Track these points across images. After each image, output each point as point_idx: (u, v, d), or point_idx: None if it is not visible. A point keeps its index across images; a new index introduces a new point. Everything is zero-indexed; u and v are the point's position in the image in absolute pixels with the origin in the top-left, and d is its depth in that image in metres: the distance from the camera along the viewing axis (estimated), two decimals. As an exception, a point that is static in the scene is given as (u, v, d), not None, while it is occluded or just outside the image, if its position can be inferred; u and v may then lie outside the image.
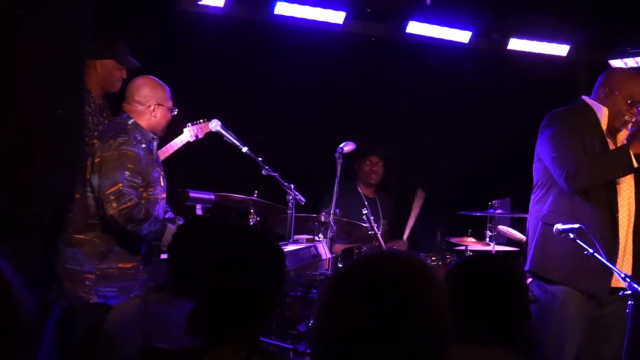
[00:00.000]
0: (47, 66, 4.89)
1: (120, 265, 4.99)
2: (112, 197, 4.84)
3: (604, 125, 4.85)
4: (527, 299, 2.95)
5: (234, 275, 2.59)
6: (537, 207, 4.94)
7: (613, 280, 4.69)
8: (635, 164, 4.66)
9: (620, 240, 4.74)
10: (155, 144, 5.20)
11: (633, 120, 4.81)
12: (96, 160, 4.95)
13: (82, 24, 5.05)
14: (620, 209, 4.76)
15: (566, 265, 4.72)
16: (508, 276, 2.89)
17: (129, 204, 4.84)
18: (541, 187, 4.93)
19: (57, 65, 4.93)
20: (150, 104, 5.13)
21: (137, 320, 3.23)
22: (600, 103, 4.87)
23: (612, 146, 4.85)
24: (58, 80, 4.95)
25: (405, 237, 7.53)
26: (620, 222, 4.75)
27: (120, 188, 4.84)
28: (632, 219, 4.81)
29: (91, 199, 4.97)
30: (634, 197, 4.84)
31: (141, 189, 4.98)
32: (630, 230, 4.80)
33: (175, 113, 5.28)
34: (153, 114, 5.14)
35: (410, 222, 7.59)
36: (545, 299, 4.78)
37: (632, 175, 4.81)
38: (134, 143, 4.99)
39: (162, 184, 5.19)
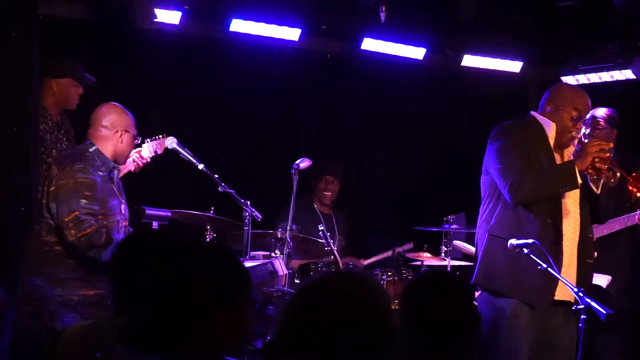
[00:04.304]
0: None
1: (82, 292, 4.94)
2: (70, 225, 4.84)
3: (551, 141, 4.88)
4: (474, 314, 3.05)
5: (181, 294, 2.49)
6: (484, 218, 4.96)
7: (557, 293, 4.72)
8: (580, 180, 4.69)
9: (565, 252, 4.75)
10: (116, 172, 5.17)
11: (579, 135, 4.88)
12: (52, 188, 4.95)
13: (29, 42, 5.02)
14: (564, 221, 4.78)
15: (509, 276, 4.75)
16: (454, 291, 3.02)
17: (89, 230, 4.84)
18: (489, 200, 4.94)
19: (6, 85, 4.90)
20: (117, 129, 5.13)
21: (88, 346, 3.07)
22: (547, 118, 4.91)
23: (559, 161, 4.88)
24: (7, 99, 4.92)
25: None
26: (564, 233, 4.77)
27: (77, 215, 4.84)
28: (578, 231, 4.82)
29: (52, 225, 4.93)
30: (579, 209, 4.85)
31: (100, 216, 4.96)
32: (576, 242, 4.81)
33: (139, 142, 5.29)
34: (120, 139, 5.13)
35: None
36: (494, 315, 4.78)
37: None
38: (91, 170, 4.98)
39: (123, 211, 5.16)
